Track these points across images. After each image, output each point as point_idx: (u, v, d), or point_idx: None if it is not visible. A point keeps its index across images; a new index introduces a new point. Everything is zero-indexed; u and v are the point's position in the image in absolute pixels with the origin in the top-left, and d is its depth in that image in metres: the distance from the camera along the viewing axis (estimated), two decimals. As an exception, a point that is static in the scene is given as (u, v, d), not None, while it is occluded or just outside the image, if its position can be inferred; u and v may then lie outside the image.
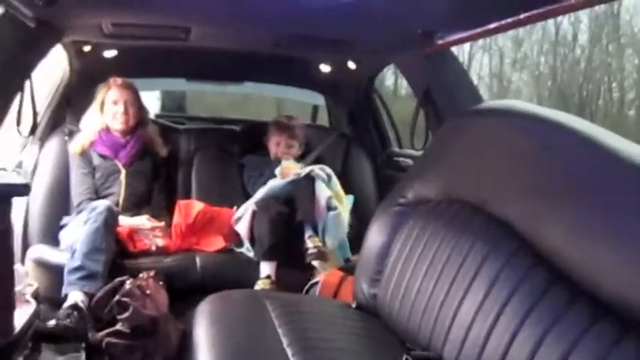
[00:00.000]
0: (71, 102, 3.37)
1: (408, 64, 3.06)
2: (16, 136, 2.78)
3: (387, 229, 1.91)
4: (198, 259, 2.87)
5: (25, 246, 2.89)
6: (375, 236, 1.95)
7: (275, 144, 3.26)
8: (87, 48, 3.16)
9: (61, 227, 2.92)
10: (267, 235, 2.79)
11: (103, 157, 3.06)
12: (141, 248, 2.84)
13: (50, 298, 2.54)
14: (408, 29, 2.56)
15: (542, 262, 1.32)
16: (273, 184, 2.99)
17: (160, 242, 2.88)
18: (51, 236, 2.92)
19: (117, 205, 2.93)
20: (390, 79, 11.28)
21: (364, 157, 3.61)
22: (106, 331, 2.32)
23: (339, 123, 3.97)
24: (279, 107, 6.99)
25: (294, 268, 2.80)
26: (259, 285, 2.73)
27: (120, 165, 3.05)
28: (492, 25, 2.20)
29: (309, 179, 2.93)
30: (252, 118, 4.32)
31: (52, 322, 2.35)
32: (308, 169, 2.99)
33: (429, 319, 1.57)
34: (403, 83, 11.03)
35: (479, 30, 2.31)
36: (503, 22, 2.13)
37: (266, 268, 2.78)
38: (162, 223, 2.96)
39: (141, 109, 3.16)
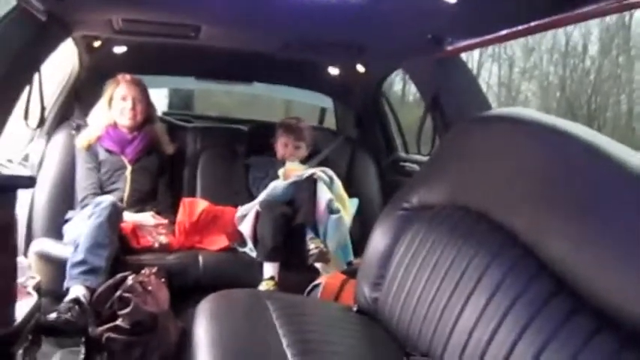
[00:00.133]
0: (80, 97, 3.38)
1: (417, 69, 3.05)
2: (24, 129, 2.78)
3: (391, 233, 1.90)
4: (200, 258, 2.87)
5: (29, 239, 2.89)
6: (378, 240, 1.94)
7: (282, 145, 3.26)
8: (97, 43, 3.17)
9: (66, 221, 2.92)
10: (270, 236, 2.79)
11: (109, 152, 3.07)
12: (144, 245, 2.84)
13: (52, 292, 2.54)
14: (418, 34, 2.56)
15: (546, 271, 1.31)
16: (275, 185, 2.99)
17: (164, 239, 2.89)
18: (55, 230, 2.92)
19: (121, 200, 2.94)
20: (399, 84, 11.29)
21: (370, 161, 3.61)
22: (106, 326, 2.33)
23: (346, 126, 3.97)
24: (288, 109, 7.00)
25: (296, 270, 2.80)
26: (263, 286, 2.73)
27: (126, 161, 3.06)
28: (502, 33, 2.20)
29: (311, 181, 2.93)
30: (260, 119, 4.31)
31: (52, 316, 2.36)
32: (310, 171, 2.99)
33: (429, 325, 1.57)
34: (411, 89, 11.04)
35: (489, 37, 2.31)
36: (513, 29, 2.13)
37: (269, 269, 2.78)
38: (166, 221, 2.97)
39: (149, 105, 3.17)
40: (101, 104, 3.13)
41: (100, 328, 2.33)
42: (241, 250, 2.96)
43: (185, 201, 3.07)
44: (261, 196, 2.98)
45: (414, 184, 1.96)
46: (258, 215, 2.90)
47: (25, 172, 2.64)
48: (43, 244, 2.79)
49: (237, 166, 3.38)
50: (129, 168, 3.05)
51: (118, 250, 2.70)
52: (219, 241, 2.99)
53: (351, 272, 2.50)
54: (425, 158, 3.06)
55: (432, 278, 1.63)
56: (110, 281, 2.45)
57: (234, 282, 2.36)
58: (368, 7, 2.27)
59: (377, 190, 3.53)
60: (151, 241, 2.86)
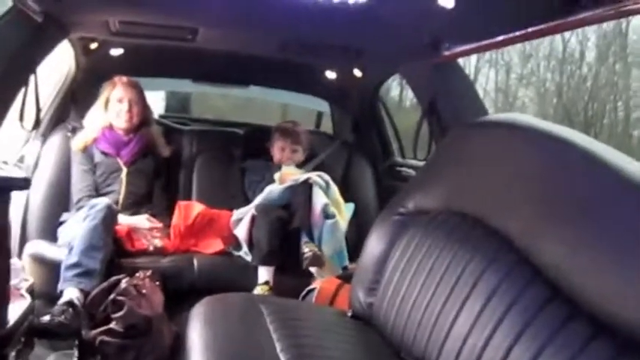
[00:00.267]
0: (76, 99, 3.37)
1: (414, 74, 3.05)
2: (20, 130, 2.77)
3: (386, 238, 1.90)
4: (195, 261, 2.86)
5: (23, 241, 2.88)
6: (373, 245, 1.94)
7: (279, 149, 3.25)
8: (94, 45, 3.16)
9: (60, 223, 2.91)
10: (265, 240, 2.78)
11: (104, 154, 3.06)
12: (138, 248, 2.83)
13: (45, 294, 2.52)
14: (415, 39, 2.56)
15: (541, 277, 1.31)
16: (271, 189, 2.98)
17: (158, 243, 2.88)
18: (49, 232, 2.91)
19: (117, 203, 2.93)
20: (396, 89, 11.31)
21: (366, 165, 3.61)
22: (100, 329, 2.32)
23: (343, 130, 3.96)
24: (284, 112, 6.99)
25: (291, 274, 2.79)
26: (258, 291, 2.72)
27: (121, 163, 3.05)
28: (500, 38, 2.19)
29: (307, 186, 2.92)
30: (257, 122, 4.31)
31: (46, 318, 2.35)
32: (306, 175, 2.98)
33: (424, 330, 1.56)
34: (408, 94, 11.08)
35: (486, 42, 2.30)
36: (510, 35, 2.13)
37: (264, 274, 2.77)
38: (161, 224, 2.96)
39: (145, 108, 3.16)
40: (97, 106, 3.12)
41: (94, 331, 2.32)
42: (236, 253, 2.95)
43: (180, 204, 3.07)
44: (257, 199, 2.97)
45: (410, 189, 1.96)
46: (253, 219, 2.90)
47: (20, 173, 2.63)
48: (37, 246, 2.78)
49: (233, 170, 3.37)
50: (124, 170, 3.05)
51: (113, 252, 2.69)
52: (215, 245, 2.98)
53: (346, 277, 2.50)
54: (421, 163, 3.06)
55: (428, 283, 1.62)
56: (104, 284, 2.45)
57: (228, 286, 2.35)
58: (366, 10, 2.27)
59: (373, 194, 3.53)
60: (145, 244, 2.84)
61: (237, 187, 3.29)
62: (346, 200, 3.09)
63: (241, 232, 2.92)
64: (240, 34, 2.93)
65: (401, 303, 1.71)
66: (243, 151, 3.44)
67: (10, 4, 2.34)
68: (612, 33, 12.93)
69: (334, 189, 3.01)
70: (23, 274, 2.47)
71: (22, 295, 2.19)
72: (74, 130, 3.14)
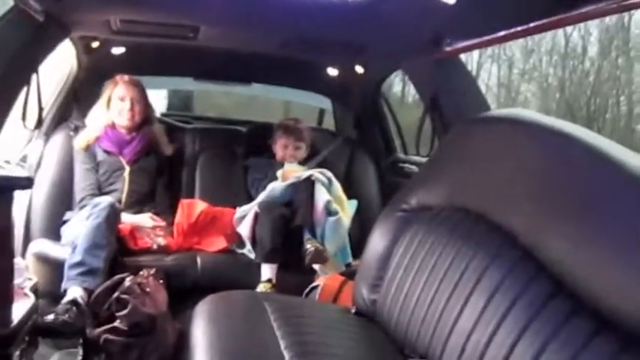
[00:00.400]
0: (78, 98, 3.37)
1: (416, 70, 3.05)
2: (22, 129, 2.78)
3: (389, 234, 1.90)
4: (199, 259, 2.86)
5: (27, 240, 2.88)
6: (376, 242, 1.94)
7: (282, 147, 3.25)
8: (95, 44, 3.17)
9: (64, 222, 2.92)
10: (269, 237, 2.78)
11: (107, 153, 3.06)
12: (142, 246, 2.83)
13: (49, 293, 2.52)
14: (417, 35, 2.56)
15: (545, 272, 1.31)
16: (273, 186, 2.98)
17: (162, 241, 2.88)
18: (53, 231, 2.91)
19: (119, 201, 2.93)
20: (398, 85, 11.30)
21: (369, 162, 3.60)
22: (104, 327, 2.32)
23: (345, 127, 3.96)
24: (286, 110, 6.99)
25: (295, 272, 2.79)
26: (261, 288, 2.72)
27: (124, 162, 3.05)
28: (502, 33, 2.19)
29: (309, 183, 2.92)
30: (259, 120, 4.31)
31: (50, 317, 2.35)
32: (308, 172, 2.98)
33: (428, 327, 1.56)
34: (411, 90, 11.06)
35: (488, 37, 2.30)
36: (512, 30, 2.13)
37: (267, 271, 2.77)
38: (164, 223, 2.96)
39: (147, 106, 3.16)
40: (99, 105, 3.12)
41: (98, 330, 2.32)
42: (240, 251, 2.95)
43: (183, 202, 3.07)
44: (260, 197, 2.97)
45: (412, 186, 1.96)
46: (256, 216, 2.90)
47: (23, 173, 2.64)
48: (40, 245, 2.78)
49: (235, 168, 3.37)
50: (127, 169, 3.05)
51: (116, 251, 2.69)
52: (218, 243, 2.99)
53: (349, 274, 2.50)
54: (424, 159, 3.06)
55: (431, 280, 1.62)
56: (108, 282, 2.45)
57: (232, 283, 2.35)
58: (367, 7, 2.27)
59: (376, 191, 3.53)
60: (149, 242, 2.85)
61: (239, 185, 3.30)
62: (349, 197, 3.09)
63: (244, 229, 2.92)
64: (241, 32, 2.93)
65: (404, 299, 1.70)
66: (246, 149, 3.44)
67: (11, 3, 2.35)
68: (614, 27, 12.91)
69: (337, 186, 3.01)
70: (27, 273, 2.47)
71: (25, 294, 2.19)
72: (77, 129, 3.14)
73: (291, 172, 3.05)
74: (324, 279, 2.55)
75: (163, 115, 4.01)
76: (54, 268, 2.61)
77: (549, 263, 1.31)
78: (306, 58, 3.45)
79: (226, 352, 1.55)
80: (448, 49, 2.57)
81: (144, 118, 3.13)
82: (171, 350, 2.39)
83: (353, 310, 1.95)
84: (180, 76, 4.23)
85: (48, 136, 3.14)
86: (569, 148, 1.40)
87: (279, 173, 3.06)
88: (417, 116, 3.04)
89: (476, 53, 12.83)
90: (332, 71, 3.63)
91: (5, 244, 1.87)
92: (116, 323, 2.32)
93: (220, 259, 2.91)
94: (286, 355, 1.53)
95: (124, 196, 3.00)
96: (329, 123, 4.39)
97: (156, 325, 2.35)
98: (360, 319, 1.89)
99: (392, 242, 1.87)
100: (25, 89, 2.55)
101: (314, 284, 2.53)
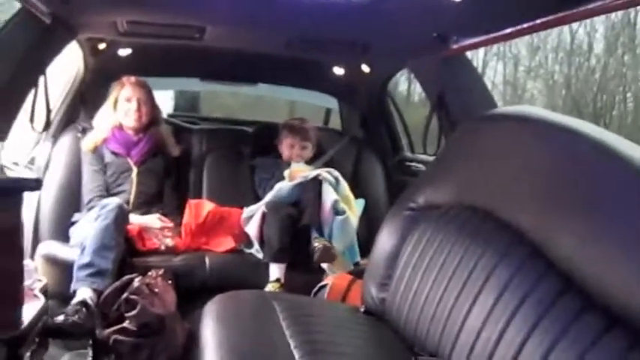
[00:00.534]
0: (85, 99, 3.38)
1: (423, 68, 3.05)
2: (30, 132, 2.79)
3: (397, 233, 1.90)
4: (207, 259, 2.87)
5: (36, 241, 2.90)
6: (384, 240, 1.94)
7: (288, 146, 3.25)
8: (102, 46, 3.17)
9: (72, 224, 2.92)
10: (276, 237, 2.78)
11: (115, 154, 3.07)
12: (150, 247, 2.84)
13: (59, 294, 2.54)
14: (423, 33, 2.55)
15: (554, 270, 1.31)
16: (280, 186, 2.98)
17: (170, 242, 2.89)
18: (61, 232, 2.92)
19: (127, 203, 2.94)
20: (404, 84, 11.28)
21: (376, 161, 3.60)
22: (114, 328, 2.33)
23: (352, 126, 3.96)
24: (292, 110, 6.99)
25: (303, 271, 2.80)
26: (269, 288, 2.72)
27: (131, 163, 3.06)
28: (507, 31, 2.19)
29: (316, 182, 2.92)
30: (265, 120, 4.31)
31: (60, 318, 2.36)
32: (315, 172, 2.98)
33: (437, 325, 1.56)
34: (417, 89, 11.05)
35: (494, 35, 2.30)
36: (518, 27, 2.12)
37: (275, 271, 2.77)
38: (172, 224, 2.97)
39: (154, 107, 3.17)
40: (106, 107, 3.13)
41: (108, 330, 2.33)
42: (248, 251, 2.95)
43: (191, 203, 3.07)
44: (267, 197, 2.98)
45: (420, 184, 1.96)
46: (264, 216, 2.90)
47: (32, 174, 2.65)
48: (49, 246, 2.80)
49: (242, 168, 3.38)
50: (135, 170, 3.05)
51: (125, 252, 2.70)
52: (226, 243, 2.99)
53: (357, 273, 2.49)
54: (431, 158, 3.05)
55: (440, 278, 1.62)
56: (117, 283, 2.46)
57: (240, 283, 2.35)
58: (373, 5, 2.27)
59: (383, 190, 3.53)
60: (157, 243, 2.86)
61: (247, 185, 3.30)
62: (356, 196, 3.09)
63: (252, 229, 2.92)
64: (247, 32, 2.94)
65: (413, 298, 1.70)
66: (253, 149, 3.45)
67: (17, 6, 2.36)
68: (620, 24, 12.84)
69: (344, 185, 3.01)
70: (36, 274, 2.48)
71: (35, 296, 2.20)
72: (84, 131, 3.15)
73: (298, 171, 3.06)
74: (333, 278, 2.55)
75: (170, 116, 4.02)
76: (63, 269, 2.62)
77: (558, 260, 1.31)
78: (311, 58, 3.45)
79: (236, 351, 1.56)
80: (454, 46, 2.57)
81: (151, 119, 3.14)
82: (180, 350, 2.40)
83: (362, 309, 1.95)
84: (186, 77, 4.23)
85: (56, 138, 3.15)
86: (577, 145, 1.40)
87: (286, 173, 3.06)
88: (423, 115, 3.05)
89: (481, 51, 12.79)
90: (338, 70, 3.63)
91: (15, 246, 1.87)
92: (125, 324, 2.33)
93: (228, 259, 2.91)
94: (296, 354, 1.53)
95: (131, 197, 3.00)
96: (335, 122, 4.39)
97: (165, 326, 2.36)
98: (369, 318, 1.89)
99: (400, 241, 1.87)
100: (32, 92, 2.56)
101: (322, 283, 2.53)
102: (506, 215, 1.51)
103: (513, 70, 14.20)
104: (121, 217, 2.69)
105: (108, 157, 3.06)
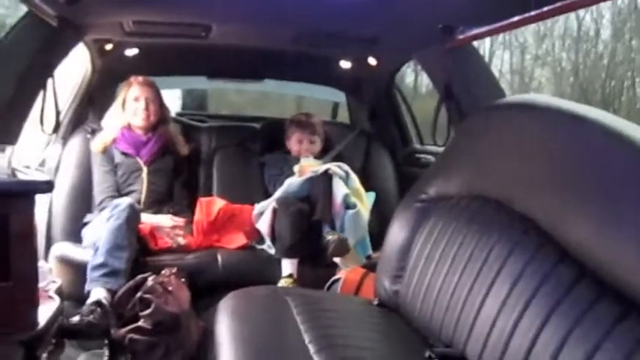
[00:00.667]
0: (93, 100, 3.39)
1: (429, 60, 3.03)
2: (40, 134, 2.80)
3: (409, 225, 1.90)
4: (219, 256, 2.87)
5: (49, 243, 2.92)
6: (396, 233, 1.94)
7: (297, 141, 3.26)
8: (109, 46, 3.18)
9: (84, 225, 2.94)
10: (288, 233, 2.79)
11: (124, 154, 3.08)
12: (162, 246, 2.85)
13: (73, 295, 2.55)
14: (429, 24, 2.54)
15: (568, 258, 1.30)
16: (290, 181, 2.98)
17: (182, 241, 2.90)
18: (74, 234, 2.94)
19: (139, 202, 2.95)
20: (411, 76, 11.24)
21: (385, 154, 3.60)
22: (129, 327, 2.34)
23: (360, 120, 3.95)
24: (299, 105, 6.98)
25: (316, 266, 2.80)
26: (282, 284, 2.73)
27: (141, 162, 3.07)
28: (514, 19, 2.17)
29: (326, 177, 2.92)
30: (273, 116, 4.32)
31: (75, 319, 2.38)
32: (325, 166, 2.98)
33: (451, 316, 1.56)
34: (424, 81, 11.01)
35: (500, 24, 2.28)
36: (524, 15, 2.11)
37: (287, 267, 2.78)
38: (184, 222, 2.98)
39: (162, 106, 3.18)
40: (115, 107, 3.15)
41: (123, 330, 2.35)
42: (259, 247, 2.96)
43: (202, 201, 3.08)
44: (278, 193, 2.98)
45: (430, 176, 1.95)
46: (275, 212, 2.90)
47: (43, 176, 2.66)
48: (63, 248, 2.81)
49: (252, 164, 3.39)
50: (145, 170, 3.07)
51: (137, 251, 2.71)
52: (237, 240, 3.00)
53: (370, 266, 2.49)
54: (440, 149, 3.05)
55: (453, 269, 1.62)
56: (131, 283, 2.47)
57: (253, 279, 2.36)
58: (378, -2, 2.27)
59: (393, 182, 3.52)
60: (169, 242, 2.87)
61: (256, 182, 3.31)
62: (366, 189, 3.09)
63: (263, 225, 2.92)
64: (253, 28, 2.94)
65: (427, 289, 1.70)
66: (261, 145, 3.46)
67: (24, 9, 2.37)
68: (627, 9, 12.74)
69: (354, 178, 3.01)
70: (51, 276, 2.49)
71: (50, 297, 2.22)
72: (93, 132, 3.17)
73: (308, 166, 3.05)
74: (345, 272, 2.55)
75: (179, 114, 4.03)
76: (77, 270, 2.63)
77: (571, 248, 1.30)
78: (318, 52, 3.44)
79: (251, 346, 1.56)
80: (461, 37, 2.56)
81: (159, 118, 3.15)
82: (195, 347, 2.41)
83: (375, 302, 1.95)
84: (193, 76, 4.24)
85: (65, 139, 3.17)
86: (587, 131, 1.39)
87: (296, 168, 3.06)
88: (431, 106, 3.04)
89: (488, 41, 12.70)
90: (345, 64, 3.62)
91: (29, 248, 1.89)
92: (140, 323, 2.34)
93: (241, 256, 2.92)
94: (311, 348, 1.53)
95: (142, 197, 3.02)
96: (343, 116, 4.39)
97: (179, 323, 2.37)
98: (382, 311, 1.90)
99: (412, 233, 1.87)
100: (41, 94, 2.57)
101: (335, 277, 2.53)
102: (518, 204, 1.51)
103: (520, 58, 14.12)
104: (133, 216, 2.70)
105: (118, 158, 3.08)
